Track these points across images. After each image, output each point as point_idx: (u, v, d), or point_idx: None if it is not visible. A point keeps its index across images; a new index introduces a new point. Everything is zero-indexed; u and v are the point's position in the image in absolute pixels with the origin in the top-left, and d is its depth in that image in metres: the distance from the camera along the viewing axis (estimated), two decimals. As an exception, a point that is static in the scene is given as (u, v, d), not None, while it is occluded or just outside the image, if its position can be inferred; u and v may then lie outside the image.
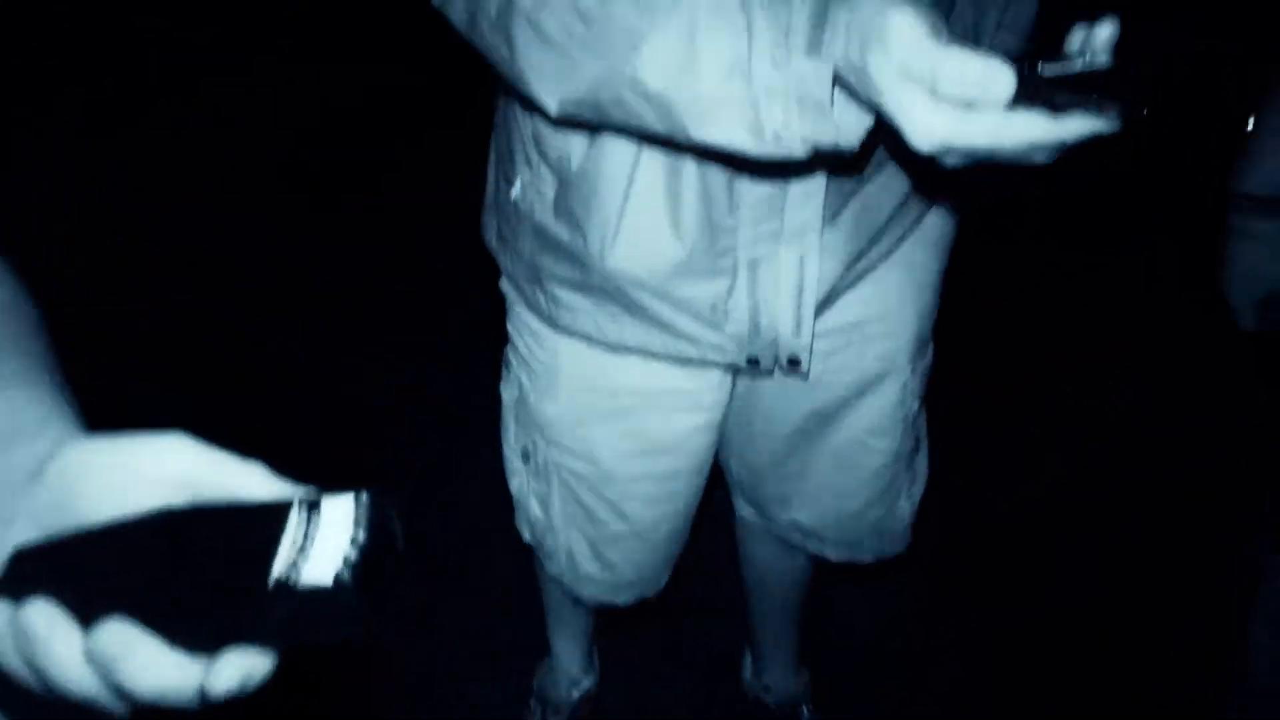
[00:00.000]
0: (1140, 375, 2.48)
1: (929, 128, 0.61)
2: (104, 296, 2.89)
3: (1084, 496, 2.28)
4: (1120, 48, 0.60)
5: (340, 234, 3.03)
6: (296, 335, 2.77)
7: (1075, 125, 0.59)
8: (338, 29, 3.55)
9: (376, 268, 2.94)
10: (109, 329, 2.84)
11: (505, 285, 1.21)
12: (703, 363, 1.11)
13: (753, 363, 1.07)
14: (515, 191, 1.06)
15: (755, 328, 1.03)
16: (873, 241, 1.08)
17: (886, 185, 1.03)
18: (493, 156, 1.16)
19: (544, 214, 1.04)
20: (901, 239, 1.12)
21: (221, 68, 3.50)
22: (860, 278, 1.11)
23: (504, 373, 1.29)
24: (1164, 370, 2.47)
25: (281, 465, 0.48)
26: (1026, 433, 2.41)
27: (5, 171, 3.22)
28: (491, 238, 1.19)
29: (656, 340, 1.07)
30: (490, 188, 1.18)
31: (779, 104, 0.69)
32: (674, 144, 0.81)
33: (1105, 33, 0.62)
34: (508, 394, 1.29)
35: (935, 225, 1.16)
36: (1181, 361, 2.43)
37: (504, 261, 1.18)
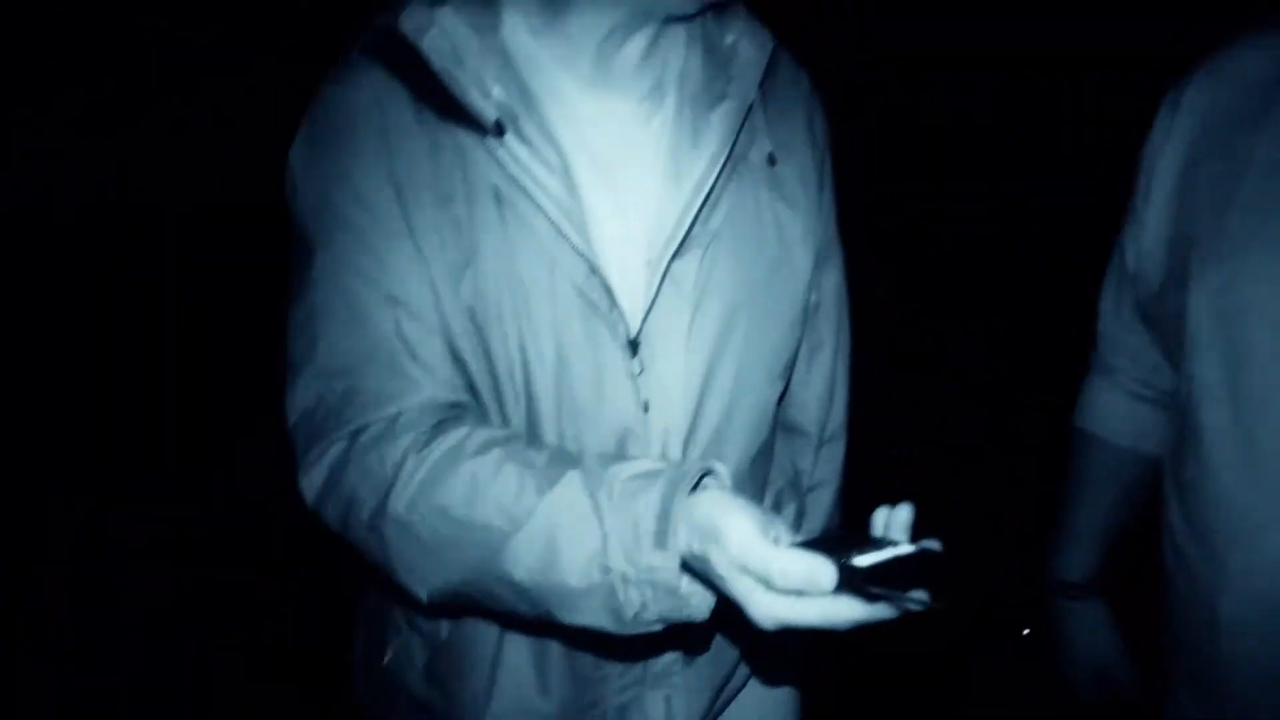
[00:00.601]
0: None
1: (768, 612, 0.72)
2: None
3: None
4: (918, 529, 0.74)
5: (340, 234, 3.03)
6: (296, 335, 2.76)
7: (886, 609, 0.71)
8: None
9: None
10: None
11: None
12: None
13: None
14: (387, 658, 1.07)
15: None
16: (733, 670, 1.11)
17: (741, 623, 1.09)
18: (360, 623, 1.16)
19: (416, 681, 1.05)
20: (760, 664, 1.16)
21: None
22: (725, 705, 1.14)
23: None
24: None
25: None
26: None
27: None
28: (361, 701, 1.17)
29: None
30: (359, 652, 1.16)
31: (635, 591, 0.78)
32: (544, 624, 0.87)
33: (903, 515, 0.76)
34: None
35: (789, 647, 1.19)
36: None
37: None
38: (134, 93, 3.51)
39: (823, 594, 0.69)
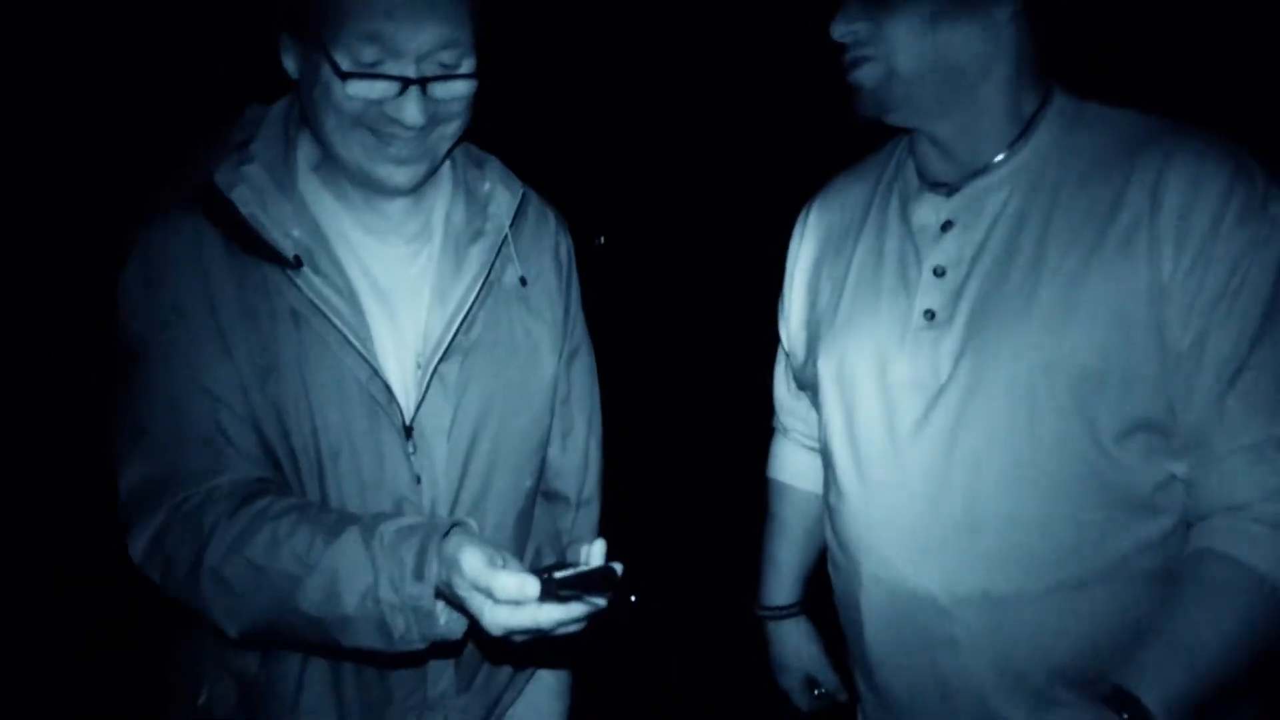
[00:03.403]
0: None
1: (494, 620, 0.93)
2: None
3: None
4: (607, 557, 0.98)
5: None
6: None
7: (579, 608, 0.94)
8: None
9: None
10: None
11: None
12: None
13: None
14: (201, 699, 1.23)
15: None
16: (499, 697, 1.36)
17: (498, 655, 1.33)
18: (174, 672, 1.29)
19: (229, 716, 1.22)
20: (524, 686, 1.43)
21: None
22: None
23: None
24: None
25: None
26: None
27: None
28: None
29: None
30: (177, 696, 1.28)
31: (400, 616, 1.00)
32: (332, 649, 1.08)
33: (599, 547, 0.98)
34: None
35: (551, 672, 1.48)
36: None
37: None
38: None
39: (531, 602, 0.92)
